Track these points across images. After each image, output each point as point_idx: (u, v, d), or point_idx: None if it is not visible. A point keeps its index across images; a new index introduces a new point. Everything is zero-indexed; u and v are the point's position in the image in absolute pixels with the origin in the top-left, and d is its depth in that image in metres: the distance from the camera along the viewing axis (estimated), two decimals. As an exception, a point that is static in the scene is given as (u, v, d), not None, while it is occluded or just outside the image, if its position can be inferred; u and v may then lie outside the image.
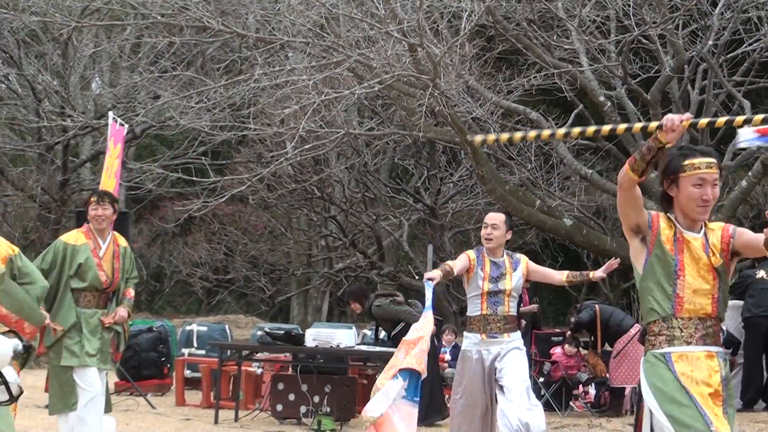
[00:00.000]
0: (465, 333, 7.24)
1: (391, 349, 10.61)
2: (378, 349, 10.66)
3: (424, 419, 10.21)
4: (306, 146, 14.16)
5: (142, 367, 12.83)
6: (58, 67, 19.38)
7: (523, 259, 7.35)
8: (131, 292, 7.63)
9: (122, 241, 7.60)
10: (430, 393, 10.49)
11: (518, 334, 7.23)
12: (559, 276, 7.43)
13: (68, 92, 19.08)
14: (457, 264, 7.06)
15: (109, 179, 11.16)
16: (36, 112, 19.03)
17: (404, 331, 11.24)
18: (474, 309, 7.17)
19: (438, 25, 13.64)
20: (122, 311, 7.45)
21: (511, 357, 7.02)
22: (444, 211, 19.01)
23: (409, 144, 18.52)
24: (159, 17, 14.98)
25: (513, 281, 7.17)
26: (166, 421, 10.28)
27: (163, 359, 13.08)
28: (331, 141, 14.62)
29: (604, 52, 13.99)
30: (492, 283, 7.12)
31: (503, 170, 15.59)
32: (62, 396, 7.26)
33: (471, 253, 7.20)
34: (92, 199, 7.41)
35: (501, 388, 6.95)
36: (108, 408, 7.69)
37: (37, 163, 20.11)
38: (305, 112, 13.00)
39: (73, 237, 7.40)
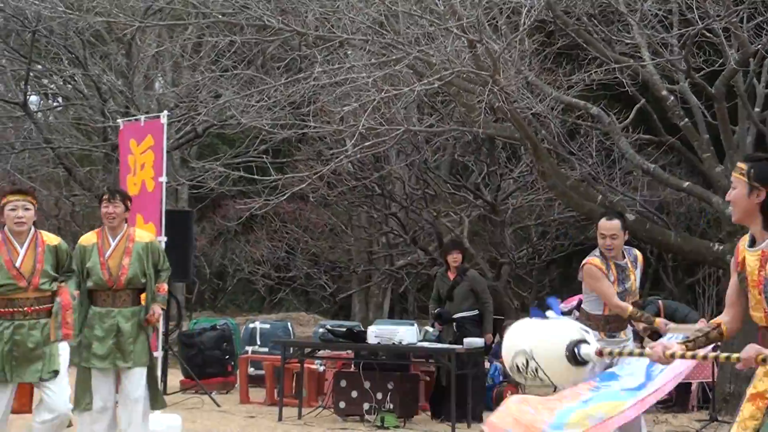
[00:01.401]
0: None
1: (455, 347, 10.64)
2: (440, 345, 10.66)
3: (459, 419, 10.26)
4: (366, 143, 14.18)
5: (206, 365, 12.94)
6: (122, 67, 19.60)
7: (638, 254, 7.43)
8: (164, 288, 7.70)
9: (143, 237, 7.61)
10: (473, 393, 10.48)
11: (631, 330, 7.33)
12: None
13: (132, 92, 19.29)
14: (609, 287, 7.14)
15: (142, 170, 11.13)
16: (101, 112, 19.27)
17: (472, 319, 11.32)
18: (595, 308, 7.26)
19: (497, 21, 13.57)
20: (157, 309, 7.54)
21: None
22: (504, 207, 18.91)
23: (469, 140, 18.46)
24: (220, 16, 15.10)
25: (636, 279, 7.24)
26: (231, 419, 10.37)
27: (227, 357, 13.19)
28: (391, 138, 14.61)
29: (666, 46, 13.81)
30: (620, 285, 7.21)
31: (564, 165, 15.46)
32: (80, 394, 7.43)
33: (597, 261, 7.21)
34: (104, 196, 7.49)
35: None
36: (161, 404, 7.73)
37: (103, 162, 20.35)
38: (365, 110, 13.02)
39: (87, 238, 7.51)
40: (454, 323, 11.32)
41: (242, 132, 19.78)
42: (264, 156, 19.04)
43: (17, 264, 6.54)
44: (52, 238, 6.82)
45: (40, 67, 20.84)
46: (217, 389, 12.58)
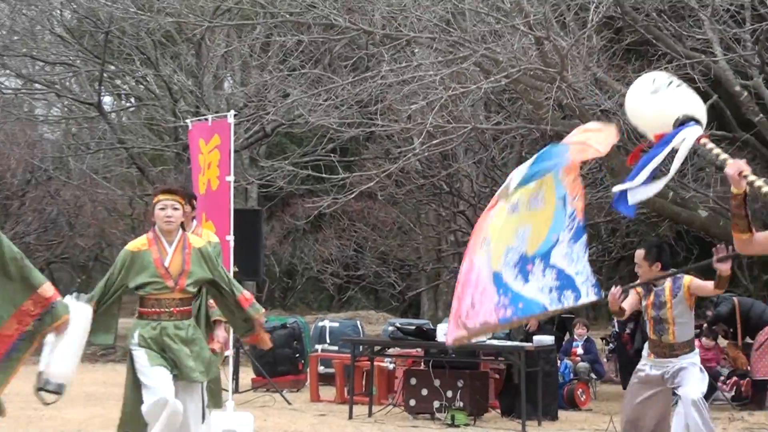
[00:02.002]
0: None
1: (524, 344, 10.62)
2: (510, 343, 10.64)
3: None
4: (433, 141, 14.18)
5: (277, 364, 13.03)
6: (192, 67, 19.84)
7: (686, 281, 7.24)
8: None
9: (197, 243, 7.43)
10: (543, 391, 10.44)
11: (691, 355, 7.19)
12: (710, 285, 7.20)
13: (202, 92, 19.53)
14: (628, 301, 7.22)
15: (209, 169, 11.20)
16: (172, 111, 19.53)
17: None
18: (647, 328, 7.32)
19: (565, 18, 13.49)
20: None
21: (682, 373, 7.09)
22: (573, 205, 18.77)
23: (537, 138, 18.34)
24: (287, 16, 15.21)
25: (674, 310, 7.12)
26: (302, 416, 10.45)
27: (297, 355, 13.27)
28: (458, 136, 14.60)
29: (739, 41, 13.61)
30: (654, 311, 7.21)
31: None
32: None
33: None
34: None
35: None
36: (218, 403, 7.63)
37: (175, 162, 20.62)
38: (432, 108, 13.03)
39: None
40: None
41: (310, 131, 19.90)
42: (332, 154, 19.16)
43: (166, 263, 6.45)
44: (197, 241, 6.70)
45: (113, 67, 21.18)
46: (287, 387, 12.67)
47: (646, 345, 7.37)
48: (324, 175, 16.68)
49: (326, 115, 16.19)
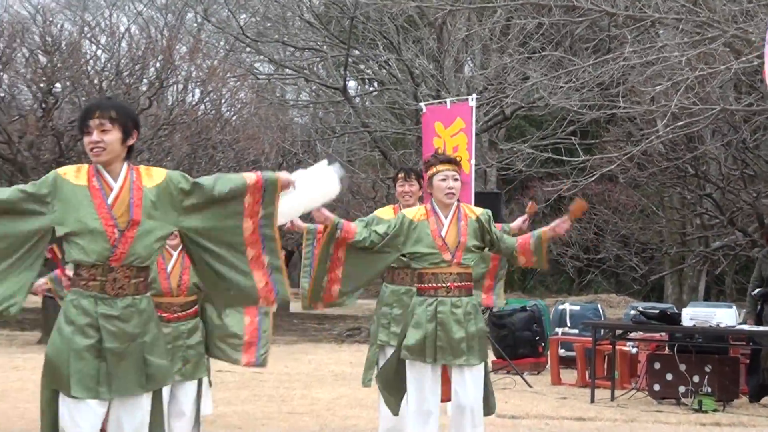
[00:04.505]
0: None
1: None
2: (761, 328, 10.33)
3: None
4: (678, 123, 13.90)
5: (517, 346, 13.12)
6: (434, 51, 20.17)
7: None
8: None
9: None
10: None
11: None
12: None
13: (443, 75, 19.82)
14: None
15: (455, 153, 11.32)
16: (414, 95, 19.91)
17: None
18: None
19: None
20: None
21: None
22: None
23: (791, 118, 17.65)
24: (528, -2, 15.23)
25: None
26: (543, 399, 10.50)
27: (537, 338, 13.32)
28: (705, 118, 14.25)
29: None
30: None
31: None
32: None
33: None
34: (400, 176, 7.36)
35: None
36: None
37: (416, 146, 21.02)
38: (677, 89, 12.77)
39: (383, 212, 7.38)
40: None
41: (550, 113, 19.87)
42: (572, 137, 19.06)
43: (443, 234, 6.14)
44: (472, 210, 6.31)
45: (357, 52, 21.80)
46: (528, 370, 12.73)
47: None
48: (564, 158, 16.61)
49: (566, 97, 16.15)
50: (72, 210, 4.37)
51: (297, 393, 10.60)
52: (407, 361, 6.16)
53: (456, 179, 6.18)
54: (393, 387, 6.32)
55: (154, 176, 4.50)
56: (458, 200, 6.27)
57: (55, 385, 4.37)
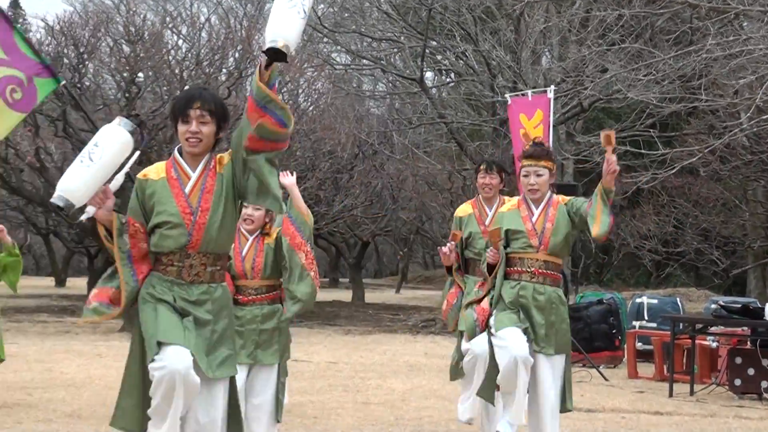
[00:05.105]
0: None
1: None
2: None
3: None
4: (763, 117, 13.66)
5: (593, 339, 13.02)
6: (511, 42, 20.09)
7: None
8: None
9: None
10: None
11: None
12: None
13: (520, 67, 19.73)
14: None
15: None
16: (491, 87, 19.86)
17: None
18: None
19: None
20: None
21: None
22: None
23: None
24: (609, -10, 15.09)
25: None
26: (619, 393, 10.41)
27: (613, 331, 13.20)
28: (791, 111, 14.00)
29: None
30: None
31: None
32: None
33: None
34: (481, 167, 7.35)
35: None
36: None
37: (492, 137, 20.98)
38: (762, 83, 12.56)
39: (463, 209, 7.42)
40: None
41: (628, 106, 19.67)
42: (651, 130, 18.84)
43: (533, 220, 6.19)
44: (563, 198, 6.31)
45: (434, 43, 21.79)
46: (604, 363, 12.64)
47: None
48: (642, 151, 16.45)
49: (646, 90, 15.98)
50: (157, 204, 4.49)
51: (372, 383, 10.64)
52: (497, 330, 6.11)
53: (539, 174, 6.17)
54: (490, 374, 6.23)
55: (224, 162, 4.56)
56: (550, 190, 6.27)
57: (147, 346, 4.42)
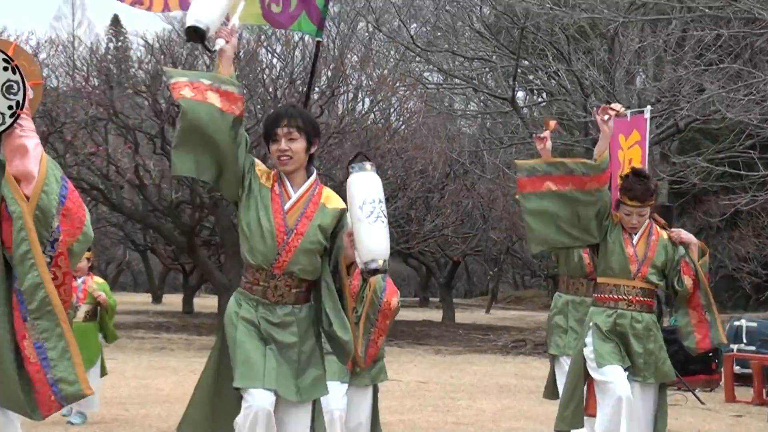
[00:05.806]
0: None
1: None
2: None
3: None
4: None
5: (689, 362, 12.78)
6: (605, 62, 19.88)
7: None
8: None
9: None
10: None
11: None
12: None
13: (614, 87, 19.51)
14: None
15: (629, 165, 11.11)
16: (583, 106, 19.67)
17: None
18: None
19: None
20: None
21: None
22: None
23: None
24: (706, 10, 14.88)
25: None
26: (716, 417, 10.23)
27: (710, 354, 12.95)
28: None
29: None
30: None
31: None
32: None
33: None
34: None
35: None
36: None
37: (585, 157, 20.74)
38: None
39: None
40: None
41: (726, 126, 19.31)
42: (751, 151, 18.47)
43: (634, 243, 6.10)
44: (663, 230, 6.28)
45: (526, 63, 21.67)
46: (700, 386, 12.43)
47: None
48: (742, 172, 16.13)
49: (746, 110, 15.70)
50: (253, 205, 4.50)
51: (462, 403, 10.60)
52: (596, 370, 6.03)
53: (642, 215, 6.11)
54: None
55: (333, 201, 4.60)
56: (651, 217, 6.23)
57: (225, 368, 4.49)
